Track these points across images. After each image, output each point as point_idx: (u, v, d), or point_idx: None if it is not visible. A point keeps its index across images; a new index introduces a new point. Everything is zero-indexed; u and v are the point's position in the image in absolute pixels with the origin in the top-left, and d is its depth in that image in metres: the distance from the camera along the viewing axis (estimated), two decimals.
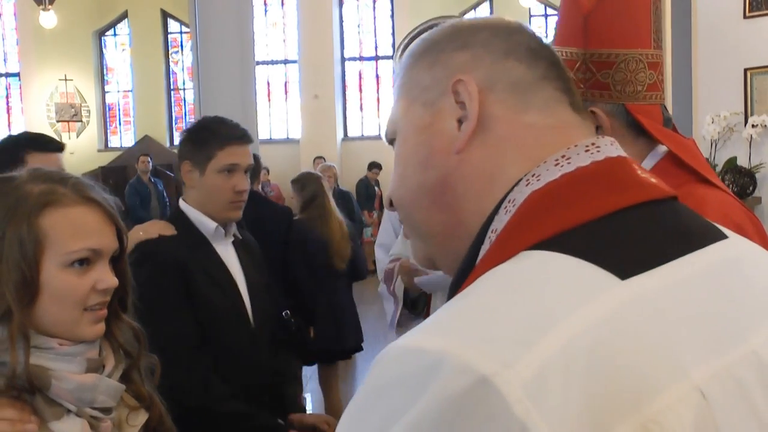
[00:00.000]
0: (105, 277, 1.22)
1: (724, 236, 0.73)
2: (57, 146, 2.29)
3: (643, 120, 1.42)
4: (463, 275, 0.70)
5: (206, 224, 2.20)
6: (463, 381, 0.51)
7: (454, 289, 0.70)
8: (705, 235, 0.70)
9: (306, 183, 4.55)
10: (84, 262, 1.20)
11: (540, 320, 0.55)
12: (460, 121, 0.74)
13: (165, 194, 10.60)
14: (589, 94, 1.43)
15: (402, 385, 0.54)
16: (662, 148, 1.46)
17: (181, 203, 2.26)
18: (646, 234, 0.65)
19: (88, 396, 1.19)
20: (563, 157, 0.70)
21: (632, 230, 0.65)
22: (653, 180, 0.72)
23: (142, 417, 1.31)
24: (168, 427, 1.38)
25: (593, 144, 0.71)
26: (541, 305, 0.57)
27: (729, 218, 1.34)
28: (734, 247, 0.72)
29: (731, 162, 5.34)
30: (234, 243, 2.29)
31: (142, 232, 2.16)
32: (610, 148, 0.72)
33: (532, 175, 0.70)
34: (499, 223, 0.69)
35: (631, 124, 1.43)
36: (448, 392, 0.51)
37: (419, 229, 0.80)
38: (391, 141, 0.82)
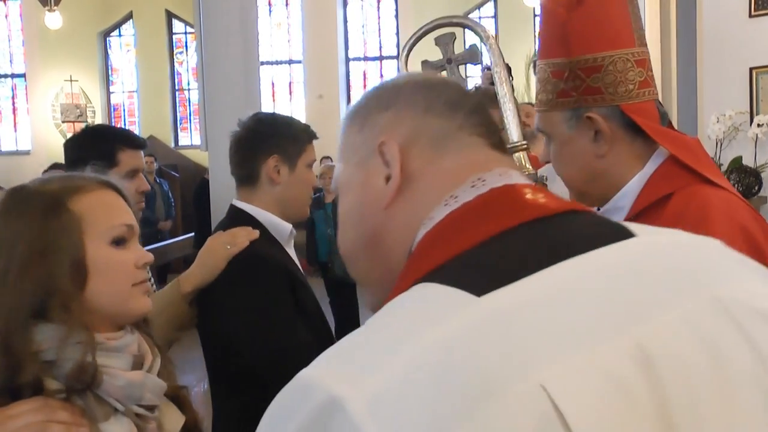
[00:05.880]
0: (142, 253, 1.27)
1: (626, 236, 0.72)
2: (143, 143, 2.33)
3: (639, 120, 1.41)
4: None
5: (282, 228, 1.98)
6: (318, 401, 0.58)
7: None
8: (595, 240, 0.70)
9: None
10: (121, 241, 1.24)
11: (392, 343, 0.60)
12: (387, 178, 0.81)
13: (170, 195, 10.62)
14: (583, 101, 1.42)
15: (280, 410, 0.62)
16: (665, 150, 1.42)
17: (244, 205, 1.99)
18: (511, 252, 0.69)
19: (137, 393, 1.19)
20: (451, 196, 0.76)
21: (498, 251, 0.69)
22: (541, 200, 0.75)
23: (178, 419, 1.31)
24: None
25: (479, 179, 0.77)
26: (397, 329, 0.62)
27: (733, 219, 1.32)
28: (635, 244, 0.72)
29: (736, 161, 5.33)
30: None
31: (229, 246, 1.84)
32: (497, 179, 0.77)
33: (428, 218, 0.76)
34: None
35: (628, 125, 1.42)
36: (307, 412, 0.58)
37: (362, 280, 0.88)
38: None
